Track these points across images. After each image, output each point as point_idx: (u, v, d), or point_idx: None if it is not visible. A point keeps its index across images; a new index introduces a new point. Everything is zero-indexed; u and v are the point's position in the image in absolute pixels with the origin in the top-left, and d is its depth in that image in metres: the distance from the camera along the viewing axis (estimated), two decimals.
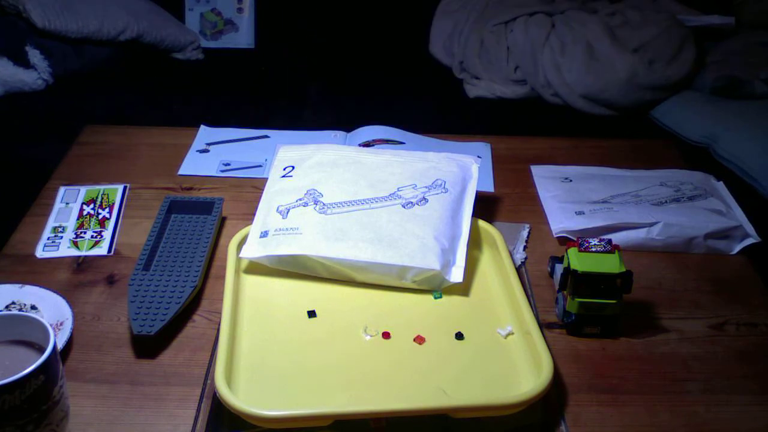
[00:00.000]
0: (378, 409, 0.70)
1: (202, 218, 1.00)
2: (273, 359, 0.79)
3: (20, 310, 0.84)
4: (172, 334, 0.84)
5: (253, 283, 0.90)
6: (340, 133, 1.26)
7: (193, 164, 1.17)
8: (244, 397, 0.72)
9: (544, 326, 0.86)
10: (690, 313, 0.90)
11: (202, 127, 1.28)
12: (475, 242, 0.97)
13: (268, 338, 0.82)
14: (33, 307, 0.85)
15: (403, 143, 1.22)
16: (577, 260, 0.82)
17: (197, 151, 1.21)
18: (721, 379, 0.81)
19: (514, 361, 0.79)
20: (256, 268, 0.92)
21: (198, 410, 0.74)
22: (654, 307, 0.90)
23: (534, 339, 0.78)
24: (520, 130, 1.31)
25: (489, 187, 1.12)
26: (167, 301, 0.85)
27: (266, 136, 1.25)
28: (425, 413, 0.71)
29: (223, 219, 1.04)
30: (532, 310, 0.83)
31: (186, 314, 0.87)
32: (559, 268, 0.89)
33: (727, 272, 0.97)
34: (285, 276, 0.91)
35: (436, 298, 0.88)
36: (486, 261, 0.94)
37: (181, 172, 1.15)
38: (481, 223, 0.97)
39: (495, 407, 0.72)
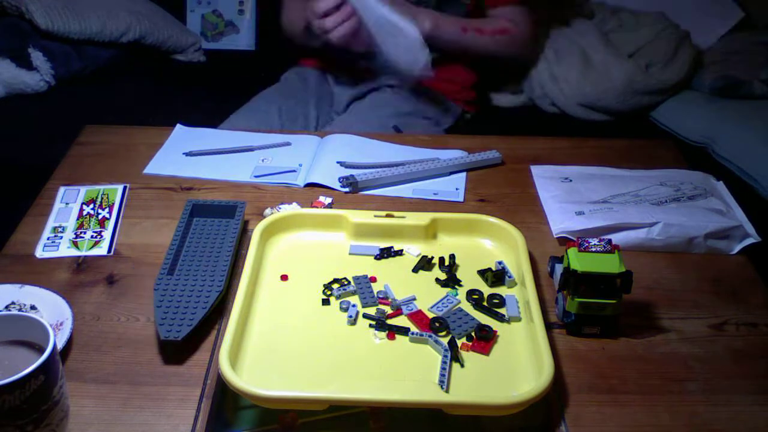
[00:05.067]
0: (372, 398, 0.71)
1: (225, 222, 0.99)
2: (280, 345, 0.80)
3: (20, 310, 0.84)
4: None
5: (273, 268, 0.91)
6: (313, 138, 1.24)
7: (160, 163, 1.16)
8: (247, 377, 0.74)
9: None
10: (690, 313, 0.90)
11: (178, 126, 1.27)
12: (493, 242, 0.98)
13: (279, 324, 0.83)
14: (33, 307, 0.85)
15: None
16: (577, 260, 0.82)
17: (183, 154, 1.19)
18: (721, 379, 0.80)
19: (515, 361, 0.80)
20: (279, 252, 0.93)
21: (198, 410, 0.74)
22: (654, 307, 0.90)
23: (538, 340, 0.78)
24: (519, 134, 1.31)
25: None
26: (193, 306, 0.84)
27: (250, 149, 1.20)
28: (420, 406, 0.72)
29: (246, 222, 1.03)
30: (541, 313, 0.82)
31: None
32: (559, 268, 0.89)
33: (727, 272, 0.97)
34: (305, 261, 0.92)
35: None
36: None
37: (146, 171, 1.14)
38: (503, 223, 0.97)
39: (493, 407, 0.72)
